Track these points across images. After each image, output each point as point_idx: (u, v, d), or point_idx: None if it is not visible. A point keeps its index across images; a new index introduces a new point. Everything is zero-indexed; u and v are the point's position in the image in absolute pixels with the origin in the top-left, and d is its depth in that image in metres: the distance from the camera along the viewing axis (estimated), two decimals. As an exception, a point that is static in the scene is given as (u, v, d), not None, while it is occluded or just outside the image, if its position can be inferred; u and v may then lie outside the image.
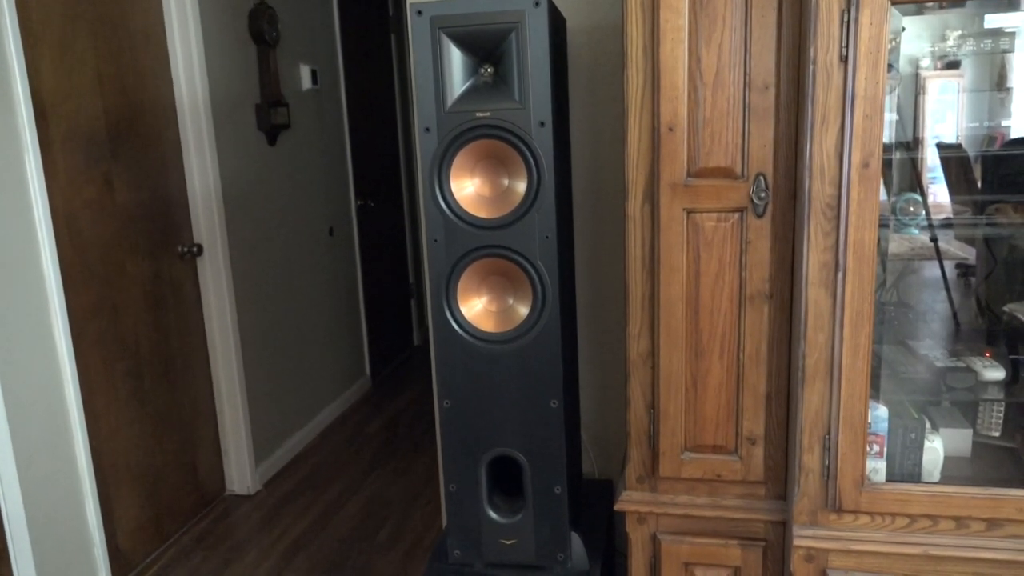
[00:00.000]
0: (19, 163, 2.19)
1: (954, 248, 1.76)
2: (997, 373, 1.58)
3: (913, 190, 1.66)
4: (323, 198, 3.97)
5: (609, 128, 2.07)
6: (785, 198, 1.48)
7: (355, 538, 2.89)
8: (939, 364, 1.62)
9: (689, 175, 1.50)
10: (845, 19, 1.30)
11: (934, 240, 1.70)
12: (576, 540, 1.77)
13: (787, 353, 1.55)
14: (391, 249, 4.94)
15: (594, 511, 2.00)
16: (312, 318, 3.84)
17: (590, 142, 2.10)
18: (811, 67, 1.33)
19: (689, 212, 1.51)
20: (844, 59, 1.31)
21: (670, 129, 1.48)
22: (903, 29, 1.64)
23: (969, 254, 1.80)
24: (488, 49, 1.56)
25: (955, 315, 1.80)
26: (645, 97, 1.50)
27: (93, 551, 2.49)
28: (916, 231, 1.66)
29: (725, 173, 1.49)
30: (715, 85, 1.46)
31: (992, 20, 1.58)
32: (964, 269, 1.82)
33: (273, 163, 3.47)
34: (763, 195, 1.48)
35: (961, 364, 1.60)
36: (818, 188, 1.37)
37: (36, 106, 2.24)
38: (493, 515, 1.76)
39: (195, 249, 2.99)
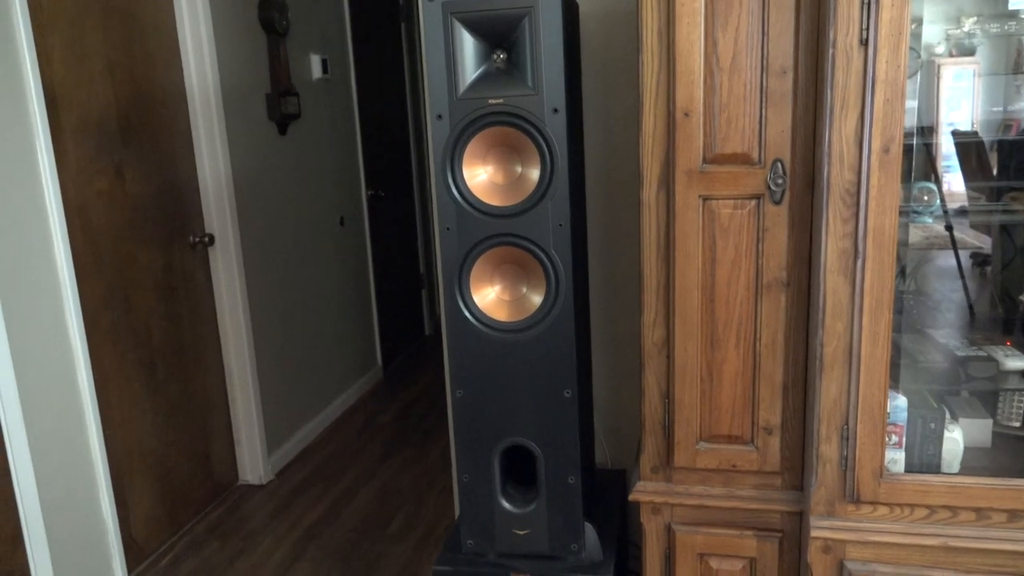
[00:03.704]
0: (31, 153, 2.19)
1: (969, 237, 1.73)
2: (1019, 362, 1.55)
3: (928, 178, 1.64)
4: (334, 188, 3.96)
5: (623, 114, 2.04)
6: (803, 184, 1.46)
7: (367, 528, 2.90)
8: (959, 353, 1.60)
9: (705, 161, 1.48)
10: (865, 1, 1.27)
11: (949, 228, 1.68)
12: (590, 530, 1.76)
13: (804, 342, 1.53)
14: (402, 238, 4.94)
15: (608, 501, 1.99)
16: (323, 308, 3.84)
17: (603, 128, 2.08)
18: (830, 50, 1.31)
19: (705, 199, 1.49)
20: (864, 42, 1.29)
21: (686, 114, 1.46)
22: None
23: (984, 243, 1.77)
24: (500, 35, 1.54)
25: (971, 305, 1.78)
26: (660, 82, 1.48)
27: (107, 540, 2.51)
28: (930, 220, 1.63)
29: (742, 159, 1.47)
30: (731, 69, 1.43)
31: (1015, 2, 1.55)
32: (980, 258, 1.79)
33: (284, 153, 3.46)
34: (780, 181, 1.46)
35: (982, 353, 1.58)
36: (837, 174, 1.34)
37: (47, 96, 2.24)
38: (506, 505, 1.75)
39: (206, 239, 2.99)
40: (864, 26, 1.28)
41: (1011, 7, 1.57)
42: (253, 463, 3.25)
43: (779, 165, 1.45)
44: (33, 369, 2.20)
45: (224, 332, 3.12)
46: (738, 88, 1.44)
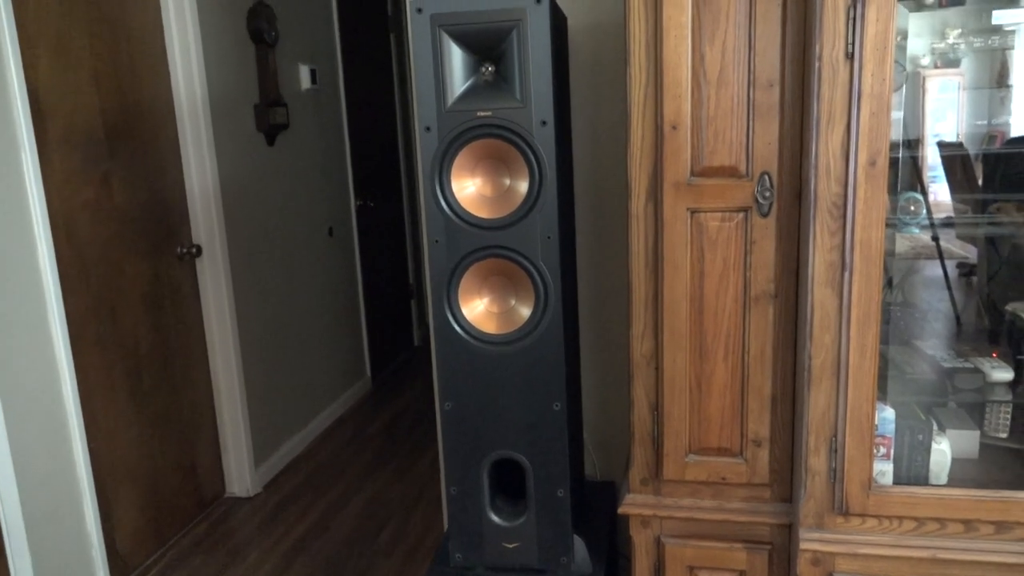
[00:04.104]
0: (16, 164, 2.18)
1: (955, 247, 1.74)
2: (1005, 374, 1.56)
3: (914, 188, 1.65)
4: (322, 198, 3.95)
5: (611, 126, 2.05)
6: (790, 197, 1.46)
7: (356, 540, 2.88)
8: (946, 365, 1.61)
9: (693, 174, 1.48)
10: (851, 15, 1.28)
11: (935, 239, 1.68)
12: (579, 543, 1.75)
13: (792, 354, 1.53)
14: (391, 249, 4.92)
15: (597, 513, 1.98)
16: (312, 319, 3.82)
17: (592, 140, 2.08)
18: (816, 64, 1.31)
19: (693, 211, 1.49)
20: (850, 56, 1.29)
21: (673, 127, 1.46)
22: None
23: (970, 253, 1.78)
24: (489, 47, 1.54)
25: (957, 315, 1.79)
26: (648, 95, 1.48)
27: (91, 554, 2.48)
28: (916, 230, 1.64)
29: (729, 172, 1.47)
30: (719, 83, 1.44)
31: (999, 17, 1.57)
32: (966, 269, 1.80)
33: (272, 163, 3.45)
34: (768, 194, 1.46)
35: (969, 365, 1.58)
36: (824, 187, 1.35)
37: (33, 106, 2.22)
38: (495, 518, 1.74)
39: (194, 250, 2.97)
40: (850, 40, 1.29)
41: (995, 22, 1.58)
42: (240, 475, 3.23)
43: (766, 178, 1.46)
44: (17, 381, 2.18)
45: (211, 343, 3.10)
46: (725, 101, 1.44)
